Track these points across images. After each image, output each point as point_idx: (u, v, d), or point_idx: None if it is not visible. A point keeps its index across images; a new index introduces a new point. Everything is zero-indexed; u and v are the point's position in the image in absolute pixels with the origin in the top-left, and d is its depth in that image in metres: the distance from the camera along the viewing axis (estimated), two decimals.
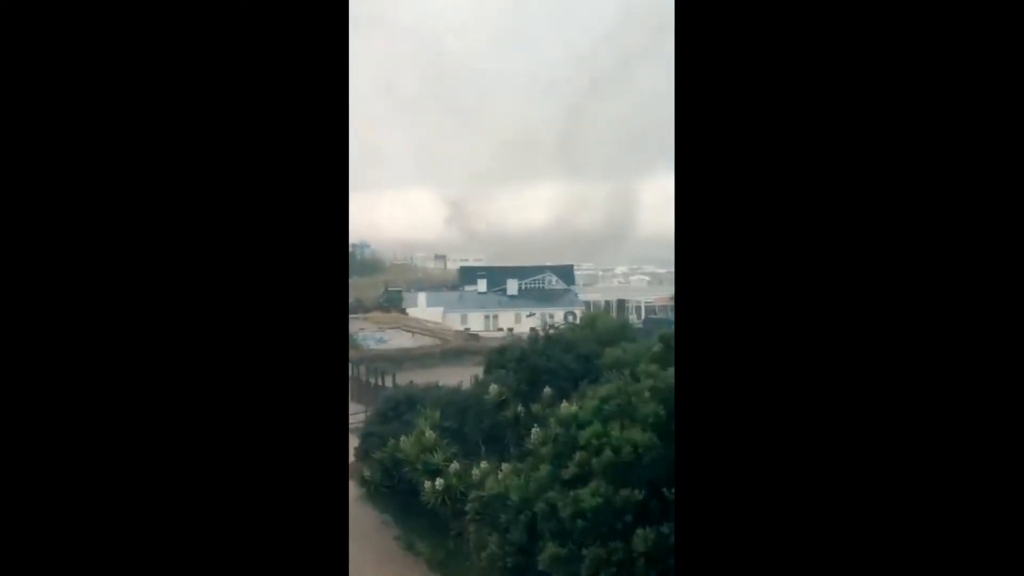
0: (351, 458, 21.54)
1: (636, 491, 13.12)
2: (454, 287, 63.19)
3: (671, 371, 14.36)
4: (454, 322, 55.17)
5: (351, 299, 49.78)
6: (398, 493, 19.33)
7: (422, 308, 57.65)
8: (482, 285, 60.28)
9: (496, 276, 60.74)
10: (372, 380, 33.22)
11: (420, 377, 25.93)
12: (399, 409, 21.86)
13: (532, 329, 27.65)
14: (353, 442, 22.08)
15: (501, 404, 20.21)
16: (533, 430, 16.50)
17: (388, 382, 31.22)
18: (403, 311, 58.67)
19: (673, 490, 12.73)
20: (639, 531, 12.77)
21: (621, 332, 25.11)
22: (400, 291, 63.72)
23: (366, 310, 58.00)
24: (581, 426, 14.24)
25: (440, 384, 23.41)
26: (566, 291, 60.36)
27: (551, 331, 24.78)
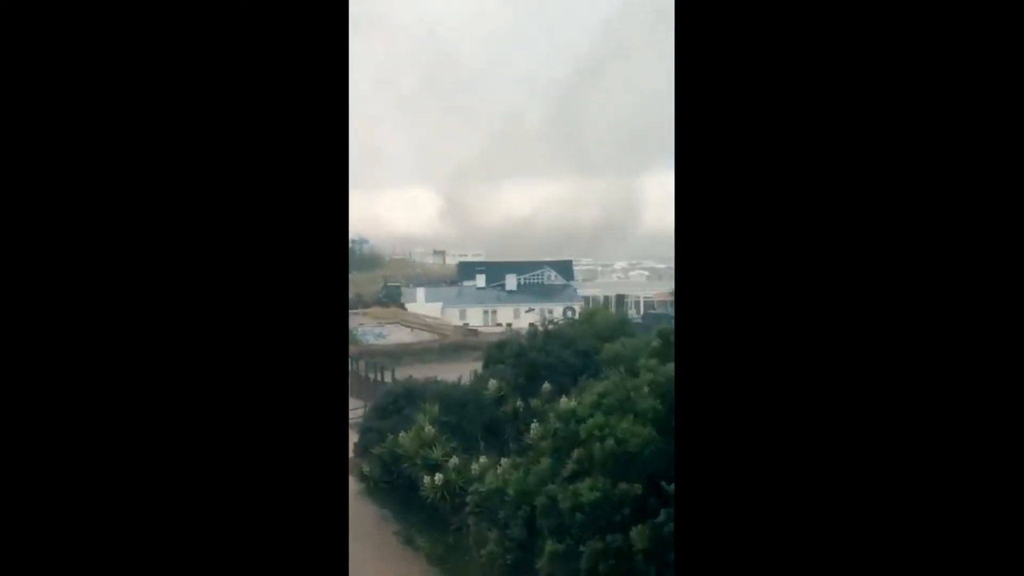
0: (350, 453, 21.57)
1: (635, 485, 13.15)
2: (453, 282, 63.22)
3: (670, 366, 14.38)
4: (453, 317, 55.22)
5: (351, 295, 49.79)
6: (397, 488, 19.37)
7: (421, 303, 57.70)
8: (481, 280, 60.29)
9: (495, 271, 60.76)
10: (371, 375, 33.25)
11: (419, 372, 25.95)
12: (398, 404, 21.88)
13: (531, 324, 27.68)
14: (352, 437, 22.10)
15: (500, 399, 20.26)
16: (532, 425, 16.53)
17: (387, 377, 31.24)
18: (402, 306, 58.72)
19: (671, 485, 12.76)
20: (637, 525, 12.80)
21: (620, 327, 25.16)
22: (399, 286, 63.75)
23: (365, 305, 58.03)
24: (580, 420, 14.26)
25: (439, 379, 23.42)
26: (565, 286, 60.39)
27: (550, 326, 24.82)
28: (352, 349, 37.33)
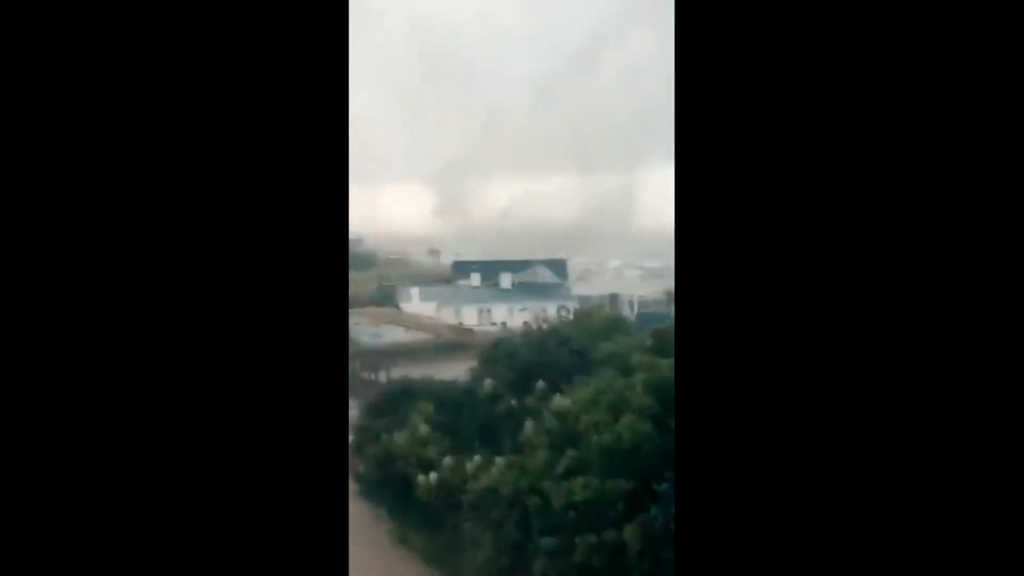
0: None
1: (629, 482, 13.21)
2: (447, 281, 63.11)
3: (664, 364, 14.43)
4: (447, 316, 55.14)
5: None
6: (391, 487, 19.37)
7: (416, 302, 57.57)
8: (476, 279, 60.20)
9: (489, 270, 60.63)
10: (366, 375, 33.21)
11: (414, 371, 25.94)
12: (393, 403, 21.90)
13: (525, 323, 27.71)
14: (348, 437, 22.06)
15: (495, 398, 20.28)
16: (527, 423, 16.55)
17: (382, 377, 31.22)
18: (397, 306, 58.61)
19: (663, 484, 12.81)
20: (630, 523, 12.84)
21: (614, 326, 25.21)
22: (393, 286, 63.61)
23: (360, 304, 57.86)
24: (575, 418, 14.31)
25: (434, 378, 23.43)
26: (559, 285, 60.30)
27: (544, 325, 24.84)
28: None
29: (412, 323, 51.14)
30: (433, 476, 17.44)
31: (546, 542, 13.48)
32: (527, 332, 24.56)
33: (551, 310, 49.79)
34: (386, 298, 61.27)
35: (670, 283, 25.41)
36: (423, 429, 18.95)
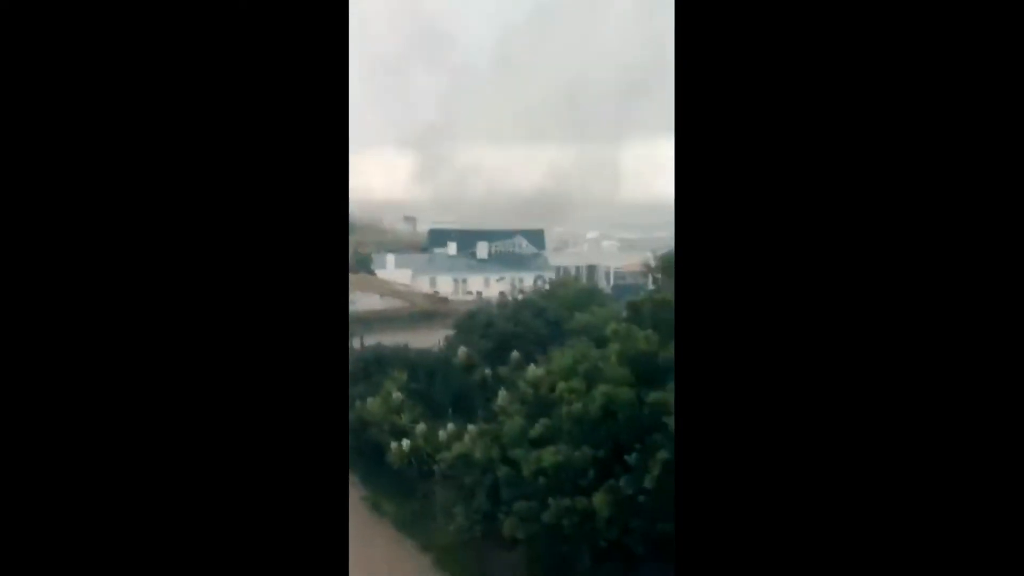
0: None
1: (600, 451, 13.32)
2: (423, 249, 62.95)
3: (639, 335, 14.49)
4: (423, 285, 55.09)
5: None
6: (364, 454, 19.41)
7: (391, 270, 57.45)
8: (452, 248, 60.10)
9: (466, 239, 60.54)
10: None
11: (388, 339, 25.91)
12: (367, 371, 21.86)
13: (501, 293, 27.74)
14: None
15: (469, 367, 20.33)
16: (500, 392, 16.61)
17: (355, 344, 31.17)
18: (372, 272, 58.46)
19: (634, 454, 12.93)
20: (600, 490, 12.96)
21: (590, 297, 25.29)
22: (369, 253, 63.41)
23: None
24: (549, 388, 14.37)
25: (409, 346, 23.43)
26: (536, 255, 60.38)
27: (520, 295, 24.88)
28: None
29: (387, 290, 51.05)
30: (406, 443, 17.48)
31: (517, 505, 13.59)
32: (503, 302, 24.56)
33: (528, 280, 49.95)
34: (361, 264, 61.09)
35: (647, 255, 25.49)
36: (397, 397, 18.97)
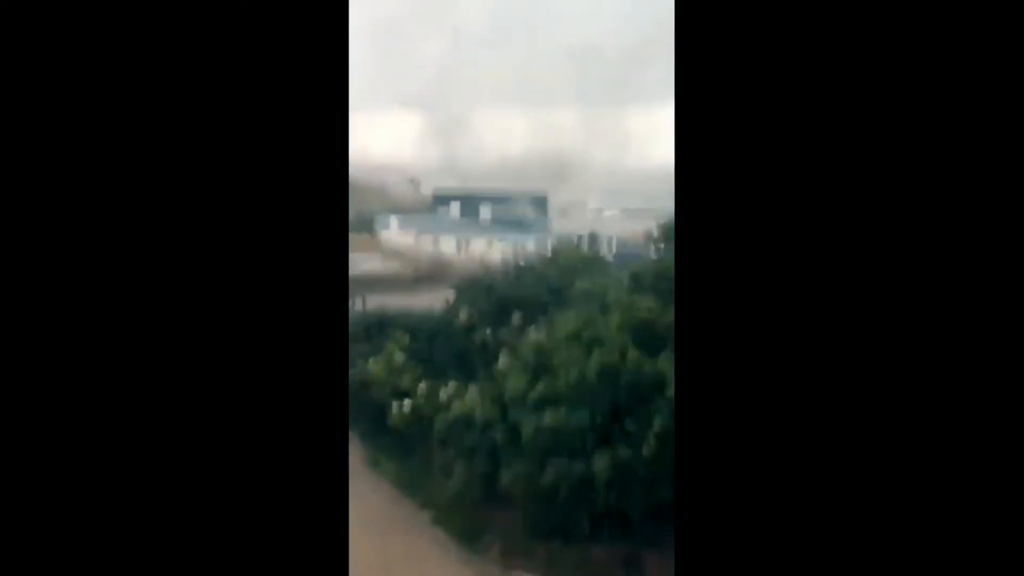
0: None
1: (599, 416, 13.47)
2: (426, 211, 62.76)
3: (640, 304, 14.60)
4: (426, 246, 55.08)
5: None
6: (365, 414, 19.58)
7: (394, 232, 57.43)
8: (455, 210, 59.97)
9: (469, 202, 60.39)
10: None
11: (390, 301, 26.00)
12: (368, 332, 21.96)
13: (503, 258, 27.76)
14: None
15: (470, 329, 20.43)
16: (501, 355, 16.73)
17: (358, 304, 31.25)
18: (374, 234, 58.39)
19: (634, 421, 13.09)
20: (599, 454, 13.13)
21: (592, 264, 25.33)
22: (372, 215, 63.23)
23: None
24: (550, 353, 14.49)
25: (410, 308, 23.53)
26: (539, 220, 60.24)
27: (522, 260, 24.90)
28: None
29: (390, 252, 51.05)
30: (407, 403, 17.64)
31: (516, 466, 13.77)
32: (505, 266, 24.61)
33: (530, 245, 49.86)
34: (364, 226, 60.95)
35: (650, 223, 25.47)
36: (398, 357, 19.09)
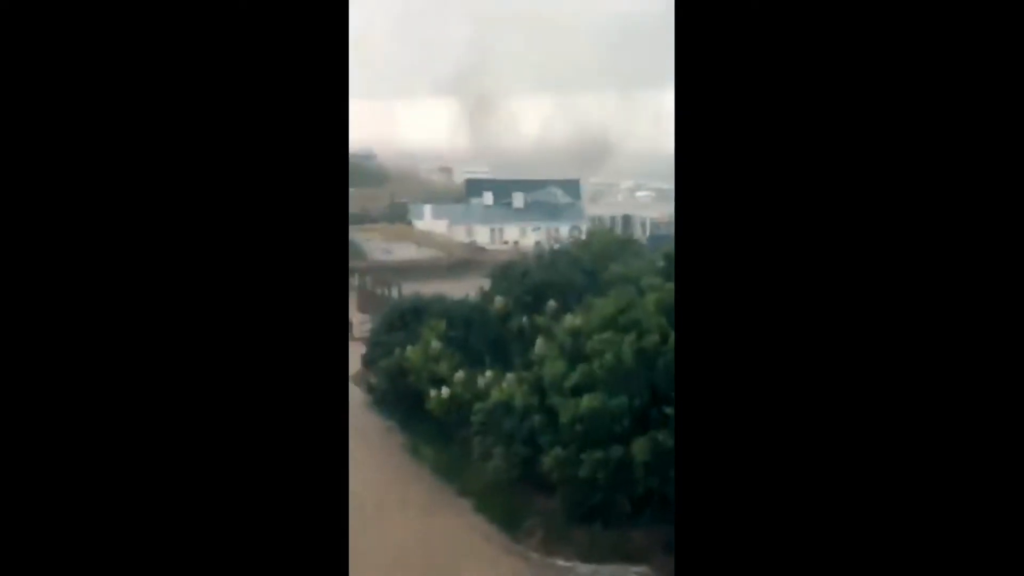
0: (357, 366, 21.92)
1: (637, 399, 13.44)
2: (459, 199, 62.92)
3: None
4: (459, 234, 55.26)
5: (356, 209, 49.71)
6: (403, 401, 19.73)
7: (428, 220, 57.65)
8: (488, 198, 60.04)
9: (502, 189, 60.43)
10: (378, 291, 33.47)
11: (426, 289, 26.13)
12: (404, 319, 22.09)
13: (537, 243, 27.78)
14: (359, 350, 22.41)
15: (506, 316, 20.48)
16: (538, 340, 16.75)
17: (394, 292, 31.47)
18: (409, 223, 58.67)
19: (670, 406, 13.03)
20: (638, 437, 13.10)
21: (626, 247, 25.24)
22: (406, 203, 63.56)
23: (372, 221, 58.00)
24: (587, 337, 14.47)
25: (446, 295, 23.65)
26: (572, 205, 60.12)
27: (556, 245, 24.89)
28: (359, 264, 37.48)
29: (424, 240, 51.28)
30: (445, 391, 17.73)
31: (555, 452, 13.79)
32: (539, 251, 24.61)
33: (563, 230, 49.83)
34: (398, 215, 61.32)
35: None
36: (435, 345, 19.18)
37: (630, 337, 13.89)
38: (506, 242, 54.25)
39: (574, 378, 14.15)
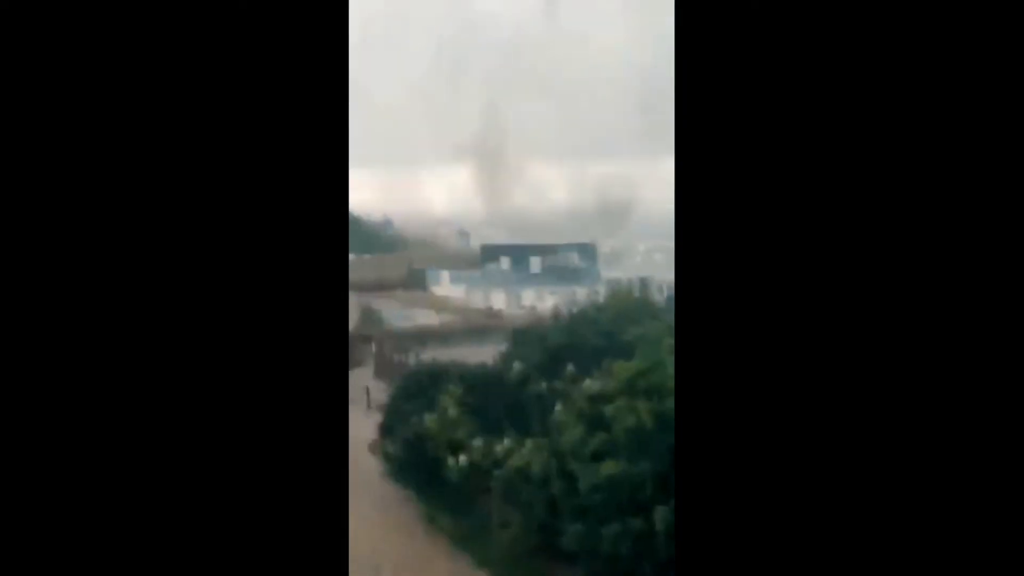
0: (374, 435, 21.73)
1: (658, 465, 13.18)
2: (476, 264, 63.30)
3: None
4: (477, 300, 55.41)
5: (375, 277, 50.08)
6: (421, 469, 19.47)
7: (445, 286, 57.93)
8: (505, 263, 60.38)
9: (518, 254, 60.81)
10: (396, 357, 33.42)
11: (443, 354, 26.04)
12: (422, 386, 21.95)
13: (555, 307, 27.73)
14: (377, 418, 22.24)
15: (524, 381, 20.30)
16: (557, 406, 16.55)
17: (411, 359, 31.39)
18: (426, 289, 58.97)
19: None
20: (660, 505, 12.81)
21: (644, 309, 25.10)
22: (423, 270, 64.01)
23: (390, 287, 58.33)
24: (607, 402, 14.28)
25: (464, 361, 23.52)
26: (588, 268, 60.30)
27: (574, 309, 24.82)
28: (376, 331, 37.53)
29: (442, 306, 51.39)
30: (463, 458, 17.50)
31: (575, 526, 13.49)
32: (556, 316, 24.52)
33: (580, 294, 49.82)
34: (416, 281, 61.66)
35: None
36: (453, 411, 19.00)
37: (650, 402, 13.69)
38: (523, 307, 54.30)
39: (593, 444, 13.92)
